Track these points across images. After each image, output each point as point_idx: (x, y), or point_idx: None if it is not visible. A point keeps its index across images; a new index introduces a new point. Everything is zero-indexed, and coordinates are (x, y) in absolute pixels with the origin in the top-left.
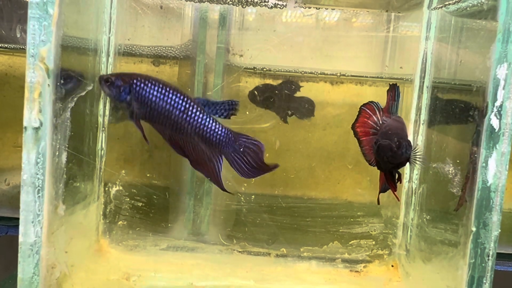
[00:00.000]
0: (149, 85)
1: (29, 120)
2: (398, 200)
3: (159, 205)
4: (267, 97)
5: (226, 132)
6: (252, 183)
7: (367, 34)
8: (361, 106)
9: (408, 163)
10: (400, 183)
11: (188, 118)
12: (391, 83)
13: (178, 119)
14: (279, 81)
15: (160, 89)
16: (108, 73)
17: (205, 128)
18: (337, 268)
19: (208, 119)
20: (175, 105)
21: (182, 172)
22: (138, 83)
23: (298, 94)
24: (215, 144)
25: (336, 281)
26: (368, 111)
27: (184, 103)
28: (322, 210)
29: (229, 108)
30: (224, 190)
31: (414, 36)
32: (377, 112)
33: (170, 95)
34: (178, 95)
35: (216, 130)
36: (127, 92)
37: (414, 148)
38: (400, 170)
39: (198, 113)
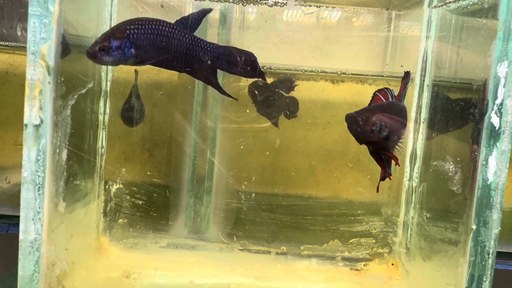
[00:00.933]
0: (144, 26)
1: (30, 117)
2: (390, 179)
3: (160, 203)
4: (267, 97)
5: (215, 47)
6: (253, 181)
7: (367, 33)
8: (375, 91)
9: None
10: (398, 166)
11: (182, 43)
12: (405, 71)
13: (174, 47)
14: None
15: (153, 26)
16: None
17: (196, 48)
18: (337, 266)
19: (196, 39)
20: (169, 35)
21: (183, 170)
22: (133, 30)
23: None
24: (209, 58)
25: (336, 279)
26: (381, 97)
27: (174, 31)
28: (323, 209)
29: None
30: (224, 93)
31: (414, 35)
32: (390, 99)
33: (163, 28)
34: (166, 24)
35: (207, 47)
36: (130, 46)
37: (399, 137)
38: (401, 167)
39: (187, 35)
